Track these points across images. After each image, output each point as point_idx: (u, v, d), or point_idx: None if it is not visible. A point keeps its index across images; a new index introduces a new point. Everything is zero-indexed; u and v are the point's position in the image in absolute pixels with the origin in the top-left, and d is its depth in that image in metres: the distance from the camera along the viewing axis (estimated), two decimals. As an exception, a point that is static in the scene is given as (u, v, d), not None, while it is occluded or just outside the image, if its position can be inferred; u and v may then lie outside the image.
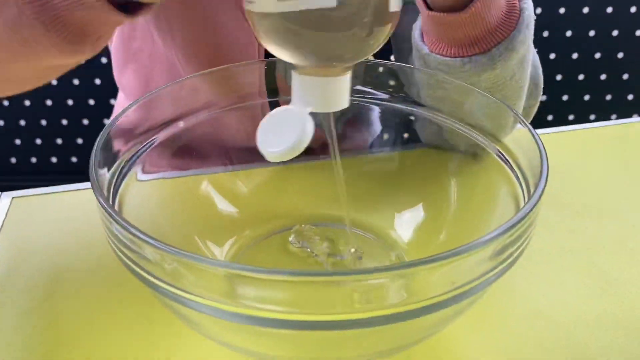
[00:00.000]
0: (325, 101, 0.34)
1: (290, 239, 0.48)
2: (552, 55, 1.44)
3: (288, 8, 0.30)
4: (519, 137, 0.40)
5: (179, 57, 0.59)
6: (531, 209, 0.31)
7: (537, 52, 0.55)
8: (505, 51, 0.45)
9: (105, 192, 0.37)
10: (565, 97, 1.53)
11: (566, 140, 0.66)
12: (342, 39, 0.31)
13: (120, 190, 0.40)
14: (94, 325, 0.43)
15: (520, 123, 0.39)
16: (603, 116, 1.55)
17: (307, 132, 0.33)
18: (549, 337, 0.42)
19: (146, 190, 0.45)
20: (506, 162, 0.41)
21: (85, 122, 1.37)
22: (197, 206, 0.49)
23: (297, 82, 0.34)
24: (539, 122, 0.52)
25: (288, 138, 0.33)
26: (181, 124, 0.47)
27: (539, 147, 0.36)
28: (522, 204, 0.37)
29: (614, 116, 1.56)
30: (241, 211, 0.50)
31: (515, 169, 0.40)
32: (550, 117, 1.56)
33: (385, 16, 0.31)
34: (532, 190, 0.35)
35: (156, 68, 0.63)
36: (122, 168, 0.42)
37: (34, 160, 1.43)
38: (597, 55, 1.46)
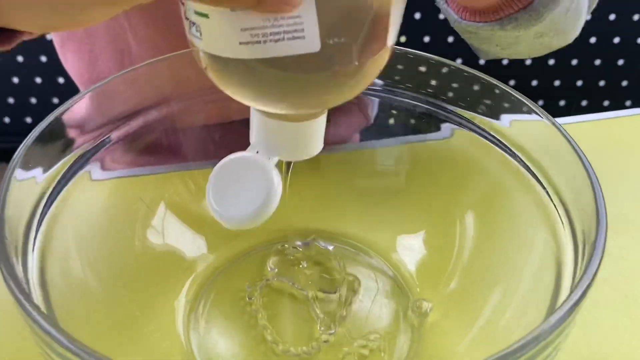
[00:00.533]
0: (296, 148, 0.27)
1: (269, 264, 0.40)
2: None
3: (253, 55, 0.22)
4: (571, 175, 0.31)
5: (130, 37, 0.51)
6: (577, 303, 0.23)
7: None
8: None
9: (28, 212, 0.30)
10: (579, 83, 1.46)
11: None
12: (326, 82, 0.24)
13: (62, 194, 0.35)
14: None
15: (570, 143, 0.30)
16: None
17: (274, 191, 0.25)
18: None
19: (101, 192, 0.38)
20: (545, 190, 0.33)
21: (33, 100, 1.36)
22: (161, 213, 0.41)
23: (259, 122, 0.26)
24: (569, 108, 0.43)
25: (250, 199, 0.25)
26: (140, 120, 0.39)
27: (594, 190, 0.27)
28: (564, 259, 0.29)
29: None
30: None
31: (557, 205, 0.31)
32: (584, 103, 1.49)
33: (381, 46, 0.24)
34: (580, 248, 0.27)
35: (97, 44, 0.54)
36: (71, 166, 0.36)
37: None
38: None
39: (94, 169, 0.37)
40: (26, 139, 0.33)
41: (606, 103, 1.50)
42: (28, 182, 0.32)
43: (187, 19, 0.24)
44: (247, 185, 0.26)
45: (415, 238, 0.41)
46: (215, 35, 0.22)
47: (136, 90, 0.39)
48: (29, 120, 1.45)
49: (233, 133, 0.41)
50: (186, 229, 0.41)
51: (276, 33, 0.21)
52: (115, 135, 0.39)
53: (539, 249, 0.32)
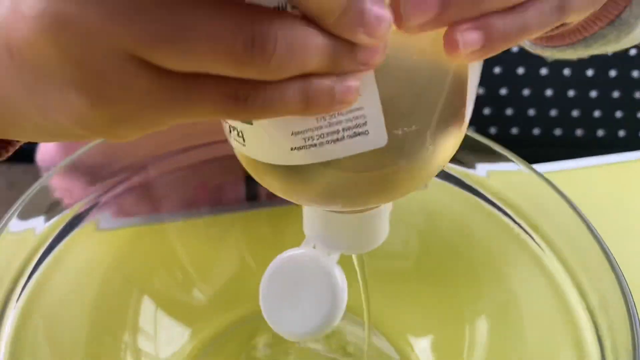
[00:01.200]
0: (361, 240, 0.23)
1: (260, 343, 0.36)
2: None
3: (308, 160, 0.19)
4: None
5: None
6: None
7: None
8: None
9: None
10: (558, 132, 1.47)
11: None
12: (395, 176, 0.20)
13: (61, 246, 0.33)
14: None
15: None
16: None
17: (340, 296, 0.22)
18: None
19: (104, 243, 0.36)
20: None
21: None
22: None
23: (314, 212, 0.23)
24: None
25: (312, 307, 0.22)
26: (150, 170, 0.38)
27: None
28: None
29: None
30: (207, 287, 0.39)
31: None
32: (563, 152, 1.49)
33: (458, 126, 0.21)
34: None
35: None
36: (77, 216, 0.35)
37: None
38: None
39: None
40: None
41: (584, 153, 1.51)
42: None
43: (225, 121, 0.20)
44: (308, 290, 0.22)
45: (424, 327, 0.38)
46: (262, 142, 0.19)
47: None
48: None
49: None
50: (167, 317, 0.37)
51: (334, 132, 0.18)
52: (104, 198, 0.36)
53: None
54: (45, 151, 0.57)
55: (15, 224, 0.31)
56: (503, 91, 1.38)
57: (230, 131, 0.20)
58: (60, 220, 0.35)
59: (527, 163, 0.35)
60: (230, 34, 0.15)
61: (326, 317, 0.22)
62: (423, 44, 0.19)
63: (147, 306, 0.35)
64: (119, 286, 0.35)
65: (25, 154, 0.72)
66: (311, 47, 0.16)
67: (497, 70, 1.34)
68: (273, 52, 0.16)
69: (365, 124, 0.18)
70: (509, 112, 1.43)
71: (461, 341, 0.34)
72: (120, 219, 0.37)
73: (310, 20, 0.16)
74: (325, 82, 0.17)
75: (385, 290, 0.38)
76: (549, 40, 0.36)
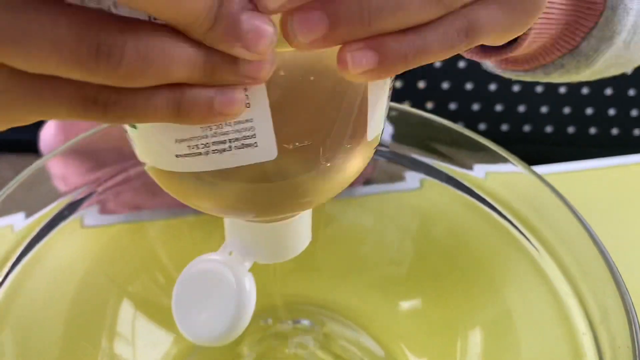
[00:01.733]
0: (278, 249, 0.23)
1: (245, 348, 0.35)
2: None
3: (194, 168, 0.18)
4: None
5: None
6: None
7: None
8: (601, 41, 0.33)
9: None
10: (549, 129, 1.48)
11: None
12: (293, 189, 0.20)
13: (40, 245, 0.31)
14: None
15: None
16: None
17: (245, 305, 0.22)
18: None
19: (87, 242, 0.35)
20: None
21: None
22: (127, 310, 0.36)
23: (232, 223, 0.23)
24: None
25: (219, 314, 0.22)
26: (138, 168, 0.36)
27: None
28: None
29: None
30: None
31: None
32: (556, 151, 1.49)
33: (357, 142, 0.20)
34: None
35: None
36: (61, 212, 0.33)
37: None
38: None
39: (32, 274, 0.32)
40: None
41: (576, 153, 1.52)
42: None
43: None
44: (216, 297, 0.22)
45: (416, 336, 0.36)
46: (149, 147, 0.19)
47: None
48: None
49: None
50: (149, 322, 0.36)
51: (220, 142, 0.18)
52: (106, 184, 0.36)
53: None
54: (45, 140, 0.56)
55: None
56: (492, 87, 1.38)
57: (127, 135, 0.20)
58: (42, 217, 0.33)
59: (526, 165, 0.34)
60: (74, 40, 0.15)
61: (231, 324, 0.22)
62: (319, 60, 0.18)
63: (127, 310, 0.34)
64: (99, 290, 0.34)
65: (33, 145, 0.70)
66: (174, 58, 0.16)
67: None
68: (120, 61, 0.16)
69: (254, 136, 0.18)
70: (498, 108, 1.43)
71: (454, 351, 0.34)
72: (104, 216, 0.36)
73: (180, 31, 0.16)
74: (202, 93, 0.17)
75: (378, 296, 0.37)
76: (505, 63, 0.36)
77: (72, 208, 0.35)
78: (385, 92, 0.20)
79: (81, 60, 0.16)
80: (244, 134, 0.17)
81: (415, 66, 0.19)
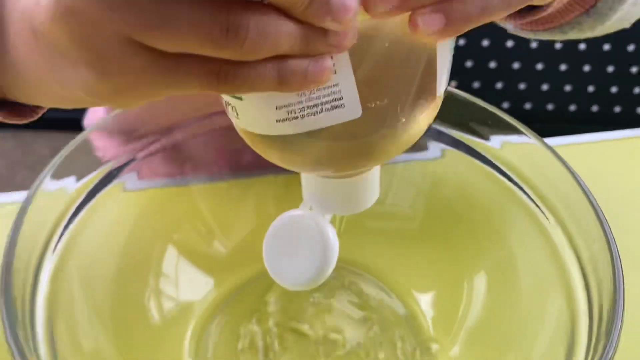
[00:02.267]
0: (351, 203, 0.26)
1: (271, 299, 0.38)
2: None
3: (292, 131, 0.21)
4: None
5: None
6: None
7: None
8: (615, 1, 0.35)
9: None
10: (572, 107, 1.47)
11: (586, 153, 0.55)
12: (374, 145, 0.23)
13: (92, 204, 0.35)
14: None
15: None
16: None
17: (332, 251, 0.25)
18: None
19: (131, 202, 0.38)
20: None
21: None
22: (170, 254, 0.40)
23: (309, 179, 0.26)
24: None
25: (308, 260, 0.25)
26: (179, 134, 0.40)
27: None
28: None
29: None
30: (228, 242, 0.41)
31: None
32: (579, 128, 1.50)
33: (429, 99, 0.23)
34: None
35: None
36: (106, 177, 0.37)
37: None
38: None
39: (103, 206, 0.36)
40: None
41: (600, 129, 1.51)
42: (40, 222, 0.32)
43: (222, 99, 0.23)
44: (303, 246, 0.25)
45: (426, 283, 0.40)
46: (251, 115, 0.22)
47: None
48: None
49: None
50: (191, 266, 0.40)
51: (313, 106, 0.21)
52: (140, 154, 0.39)
53: (553, 316, 0.32)
54: (92, 116, 0.60)
55: (49, 184, 0.33)
56: (516, 65, 1.38)
57: (226, 106, 0.23)
58: (90, 180, 0.37)
59: (538, 136, 0.37)
60: (208, 22, 0.18)
61: (319, 270, 0.25)
62: (393, 27, 0.21)
63: (171, 254, 0.38)
64: (145, 238, 0.38)
65: (68, 122, 0.74)
66: (282, 33, 0.19)
67: (509, 44, 1.33)
68: (245, 38, 0.19)
69: (341, 98, 0.21)
70: (521, 86, 1.43)
71: (460, 295, 0.37)
72: (145, 181, 0.39)
73: (283, 10, 0.19)
74: (299, 63, 0.20)
75: (392, 249, 0.41)
76: (527, 24, 0.38)
77: (113, 175, 0.38)
78: (451, 52, 0.23)
79: (214, 39, 0.19)
80: (332, 97, 0.20)
81: (477, 25, 0.21)
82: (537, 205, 0.35)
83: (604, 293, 0.27)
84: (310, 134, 0.21)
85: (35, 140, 1.61)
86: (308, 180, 0.26)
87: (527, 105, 1.45)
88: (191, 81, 0.20)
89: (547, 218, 0.35)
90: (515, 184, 0.37)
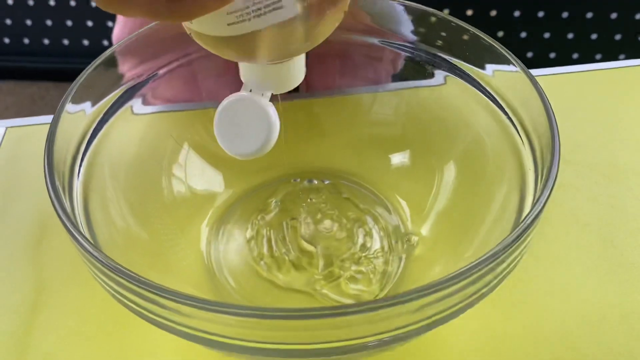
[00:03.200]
0: (282, 82, 0.31)
1: (275, 200, 0.45)
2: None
3: (241, 32, 0.26)
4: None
5: None
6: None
7: None
8: None
9: (76, 141, 0.36)
10: (570, 35, 1.49)
11: (572, 82, 0.59)
12: (304, 36, 0.28)
13: (105, 128, 0.39)
14: (79, 276, 0.42)
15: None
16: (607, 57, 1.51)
17: (274, 122, 0.30)
18: (554, 337, 0.39)
19: (137, 127, 0.43)
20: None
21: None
22: (185, 152, 0.46)
23: (250, 68, 0.31)
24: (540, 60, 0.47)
25: (255, 132, 0.30)
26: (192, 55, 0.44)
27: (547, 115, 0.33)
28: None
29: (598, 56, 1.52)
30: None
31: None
32: (552, 55, 1.52)
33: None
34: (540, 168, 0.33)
35: None
36: (116, 101, 0.41)
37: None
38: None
39: (135, 104, 0.42)
40: (79, 77, 0.38)
41: (598, 56, 1.54)
42: (77, 115, 0.37)
43: None
44: (250, 121, 0.30)
45: (406, 181, 0.46)
46: (205, 20, 0.26)
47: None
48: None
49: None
50: (206, 165, 0.46)
51: (258, 9, 0.25)
52: (160, 72, 0.43)
53: (507, 182, 0.38)
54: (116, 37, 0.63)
55: (70, 107, 0.37)
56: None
57: None
58: (104, 104, 0.41)
59: (523, 65, 0.40)
60: None
61: (265, 140, 0.30)
62: None
63: (185, 150, 0.45)
64: (160, 141, 0.44)
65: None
66: None
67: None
68: None
69: (280, 1, 0.25)
70: (516, 14, 1.45)
71: (432, 184, 0.44)
72: (161, 105, 0.44)
73: None
74: None
75: (377, 153, 0.47)
76: None
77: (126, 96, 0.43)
78: None
79: None
80: (272, 0, 0.25)
81: None
82: (501, 108, 0.41)
83: (546, 154, 0.34)
84: (255, 32, 0.26)
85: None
86: (247, 67, 0.31)
87: (523, 34, 1.47)
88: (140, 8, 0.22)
89: (510, 119, 0.40)
90: (489, 95, 0.42)
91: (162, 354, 0.38)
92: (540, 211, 0.30)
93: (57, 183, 0.33)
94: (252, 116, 0.30)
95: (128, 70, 0.41)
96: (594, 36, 1.47)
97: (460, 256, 0.39)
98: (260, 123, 0.30)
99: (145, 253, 0.39)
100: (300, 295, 0.40)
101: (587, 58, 1.50)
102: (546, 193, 0.31)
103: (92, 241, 0.32)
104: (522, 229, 0.29)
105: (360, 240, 0.43)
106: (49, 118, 0.55)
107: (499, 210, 0.38)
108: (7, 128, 0.55)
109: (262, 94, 0.31)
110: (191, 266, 0.42)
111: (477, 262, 0.27)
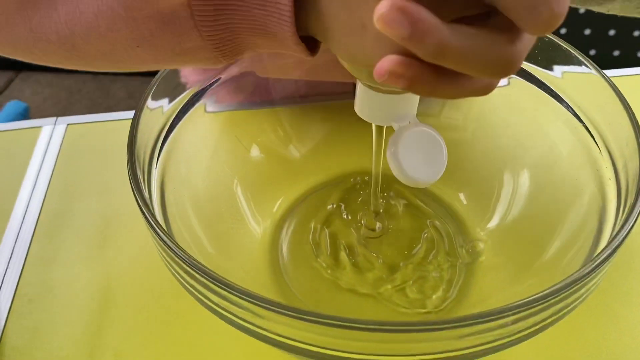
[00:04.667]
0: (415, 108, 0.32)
1: (341, 206, 0.45)
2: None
3: None
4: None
5: None
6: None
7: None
8: None
9: (152, 140, 0.37)
10: (637, 33, 1.43)
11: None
12: None
13: (181, 123, 0.40)
14: (144, 273, 0.43)
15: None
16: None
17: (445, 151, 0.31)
18: None
19: (212, 123, 0.44)
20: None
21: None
22: (255, 151, 0.46)
23: (407, 100, 0.31)
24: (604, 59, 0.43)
25: (434, 160, 0.30)
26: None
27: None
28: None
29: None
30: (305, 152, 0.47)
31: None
32: (617, 53, 1.46)
33: None
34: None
35: None
36: (191, 99, 0.42)
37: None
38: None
39: (208, 103, 0.43)
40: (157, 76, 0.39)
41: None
42: (156, 111, 0.38)
43: None
44: (428, 150, 0.31)
45: (474, 187, 0.45)
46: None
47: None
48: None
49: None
50: (272, 165, 0.46)
51: None
52: (224, 76, 0.44)
53: (585, 201, 0.37)
54: None
55: (150, 103, 0.38)
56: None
57: None
58: (178, 102, 0.42)
59: (596, 66, 0.38)
60: (497, 61, 0.22)
61: (444, 164, 0.31)
62: None
63: (254, 152, 0.45)
64: (229, 141, 0.45)
65: None
66: None
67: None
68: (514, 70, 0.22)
69: None
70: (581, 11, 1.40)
71: (501, 191, 0.43)
72: (231, 104, 0.45)
73: None
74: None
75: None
76: None
77: (196, 97, 0.44)
78: None
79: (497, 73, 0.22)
80: None
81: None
82: (574, 114, 0.39)
83: (629, 176, 0.32)
84: None
85: (113, 84, 1.70)
86: (406, 99, 0.31)
87: (587, 31, 1.42)
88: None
89: (586, 129, 0.39)
90: (560, 99, 0.41)
91: (228, 353, 0.39)
92: (621, 243, 0.29)
93: (139, 174, 0.33)
94: (427, 145, 0.30)
95: (189, 74, 0.42)
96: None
97: (529, 267, 0.38)
98: (436, 150, 0.30)
99: (211, 242, 0.40)
100: (364, 299, 0.40)
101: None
102: (627, 227, 0.29)
103: (166, 229, 0.32)
104: (601, 259, 0.28)
105: (425, 246, 0.43)
106: (108, 115, 0.56)
107: (574, 230, 0.36)
108: (68, 125, 0.56)
109: (416, 123, 0.31)
110: (255, 262, 0.42)
111: (551, 289, 0.27)
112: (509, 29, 0.22)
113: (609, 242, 0.29)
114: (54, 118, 0.57)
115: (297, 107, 0.47)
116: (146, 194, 0.33)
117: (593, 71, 0.37)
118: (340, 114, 0.48)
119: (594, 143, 0.37)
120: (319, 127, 0.48)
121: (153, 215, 0.30)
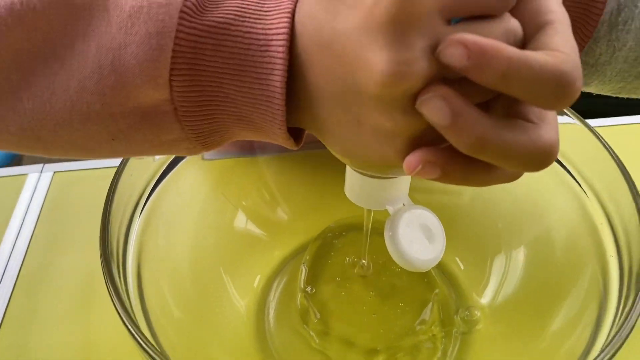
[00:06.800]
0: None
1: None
2: None
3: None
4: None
5: None
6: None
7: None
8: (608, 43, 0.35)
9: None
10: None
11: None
12: None
13: (175, 170, 0.40)
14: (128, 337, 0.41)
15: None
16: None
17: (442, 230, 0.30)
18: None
19: (204, 171, 0.43)
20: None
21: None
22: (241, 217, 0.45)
23: (401, 183, 0.30)
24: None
25: (434, 242, 0.30)
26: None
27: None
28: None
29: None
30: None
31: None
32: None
33: None
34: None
35: None
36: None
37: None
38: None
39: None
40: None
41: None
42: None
43: None
44: (424, 232, 0.30)
45: (470, 247, 0.44)
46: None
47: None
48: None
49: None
50: (256, 228, 0.45)
51: None
52: None
53: (586, 280, 0.35)
54: None
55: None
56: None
57: None
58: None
59: (580, 117, 0.39)
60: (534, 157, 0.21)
61: (442, 248, 0.30)
62: None
63: (241, 218, 0.44)
64: (218, 204, 0.43)
65: None
66: None
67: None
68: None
69: None
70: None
71: (500, 266, 0.41)
72: (220, 153, 0.44)
73: None
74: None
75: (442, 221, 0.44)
76: None
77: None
78: None
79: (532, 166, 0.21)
80: None
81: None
82: (576, 181, 0.38)
83: (633, 257, 0.31)
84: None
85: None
86: (400, 183, 0.30)
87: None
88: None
89: (585, 193, 0.38)
90: (558, 162, 0.40)
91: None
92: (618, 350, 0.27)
93: (113, 269, 0.32)
94: (425, 227, 0.30)
95: None
96: None
97: (527, 340, 0.37)
98: (437, 233, 0.30)
99: (191, 311, 0.38)
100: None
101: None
102: (629, 325, 0.28)
103: (142, 309, 0.31)
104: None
105: (419, 314, 0.41)
106: (96, 163, 0.55)
107: (575, 312, 0.35)
108: (54, 173, 0.55)
109: (410, 205, 0.30)
110: (238, 329, 0.40)
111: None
112: (540, 117, 0.21)
113: (610, 338, 0.28)
114: (41, 165, 0.56)
115: (282, 161, 0.46)
116: (121, 288, 0.32)
117: (575, 121, 0.36)
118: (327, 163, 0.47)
119: (598, 213, 0.36)
120: (306, 182, 0.47)
121: (129, 317, 0.29)
